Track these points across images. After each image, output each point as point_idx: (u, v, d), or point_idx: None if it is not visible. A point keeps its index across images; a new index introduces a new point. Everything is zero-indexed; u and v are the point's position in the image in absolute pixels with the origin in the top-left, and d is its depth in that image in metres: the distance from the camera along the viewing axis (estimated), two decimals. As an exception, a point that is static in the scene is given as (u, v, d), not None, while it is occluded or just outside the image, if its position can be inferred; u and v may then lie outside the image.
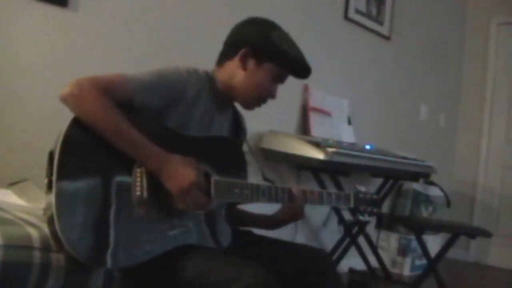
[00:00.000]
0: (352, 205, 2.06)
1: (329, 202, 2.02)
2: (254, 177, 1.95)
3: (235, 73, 1.89)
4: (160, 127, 1.71)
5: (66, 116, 1.54)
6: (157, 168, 1.60)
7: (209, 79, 1.89)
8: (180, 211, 1.64)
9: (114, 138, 1.56)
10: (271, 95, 1.95)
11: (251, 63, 1.87)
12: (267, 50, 1.86)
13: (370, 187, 2.16)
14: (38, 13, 2.44)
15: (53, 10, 2.48)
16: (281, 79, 1.94)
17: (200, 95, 1.82)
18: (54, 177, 1.45)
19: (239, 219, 2.06)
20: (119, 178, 1.56)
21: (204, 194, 1.67)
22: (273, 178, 2.03)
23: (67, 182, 1.46)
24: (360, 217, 2.09)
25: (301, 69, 1.93)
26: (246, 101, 1.94)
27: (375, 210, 2.09)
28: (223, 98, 1.93)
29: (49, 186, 1.48)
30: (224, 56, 1.93)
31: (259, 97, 1.93)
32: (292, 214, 1.94)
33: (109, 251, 1.48)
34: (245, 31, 1.91)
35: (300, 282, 1.81)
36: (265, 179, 2.02)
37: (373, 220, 2.19)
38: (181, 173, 1.61)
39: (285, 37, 1.90)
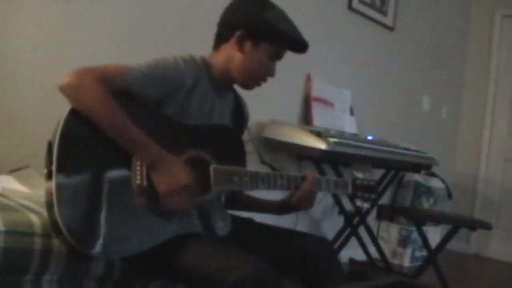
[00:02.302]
0: (350, 191, 2.06)
1: (328, 188, 2.02)
2: (253, 165, 1.95)
3: (232, 55, 1.89)
4: (159, 115, 1.71)
5: (65, 106, 1.54)
6: (151, 164, 1.60)
7: (206, 65, 1.89)
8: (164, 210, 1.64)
9: (110, 131, 1.56)
10: (270, 73, 1.95)
11: (247, 45, 1.87)
12: (262, 31, 1.86)
13: (369, 175, 2.15)
14: (39, 2, 2.43)
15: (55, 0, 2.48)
16: (278, 56, 1.94)
17: (198, 83, 1.82)
18: (54, 167, 1.46)
19: (245, 205, 2.08)
20: (116, 170, 1.56)
21: (191, 199, 1.66)
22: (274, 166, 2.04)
23: (66, 173, 1.47)
24: (358, 203, 2.11)
25: (298, 46, 1.92)
26: (246, 82, 1.94)
27: (372, 196, 2.10)
28: (221, 82, 1.93)
29: (49, 176, 1.48)
30: (220, 39, 1.93)
31: (258, 77, 1.94)
32: (306, 199, 1.93)
33: (100, 238, 1.48)
34: (239, 12, 1.90)
35: (301, 269, 1.82)
36: (263, 162, 2.02)
37: (369, 206, 2.19)
38: (173, 173, 1.61)
39: (279, 15, 1.89)
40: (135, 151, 1.59)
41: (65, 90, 1.53)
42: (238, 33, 1.85)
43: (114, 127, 1.56)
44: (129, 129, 1.57)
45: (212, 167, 1.71)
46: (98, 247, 1.47)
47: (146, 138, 1.60)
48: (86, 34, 2.59)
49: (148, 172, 1.61)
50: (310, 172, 1.95)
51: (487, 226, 3.55)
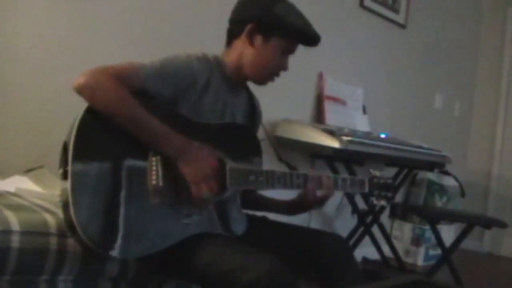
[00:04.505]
0: (366, 190, 2.05)
1: (344, 187, 2.01)
2: (269, 164, 1.94)
3: (244, 51, 1.89)
4: (174, 114, 1.71)
5: (80, 104, 1.54)
6: (175, 154, 1.60)
7: (219, 63, 1.89)
8: (192, 200, 1.64)
9: (132, 126, 1.56)
10: (283, 67, 1.94)
11: (258, 39, 1.86)
12: (272, 25, 1.85)
13: (385, 173, 2.14)
14: (51, 1, 2.44)
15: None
16: (291, 50, 1.93)
17: (211, 81, 1.82)
18: (69, 166, 1.45)
19: (257, 204, 2.08)
20: (133, 164, 1.56)
21: (219, 183, 1.66)
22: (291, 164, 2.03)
23: (82, 168, 1.46)
24: (375, 202, 2.09)
25: (309, 39, 1.91)
26: (258, 77, 1.94)
27: (389, 194, 2.08)
28: (234, 79, 1.93)
29: (64, 176, 1.48)
30: (231, 35, 1.93)
31: (270, 72, 1.93)
32: (310, 198, 1.91)
33: (118, 239, 1.47)
34: (248, 7, 1.89)
35: (316, 267, 1.81)
36: (280, 160, 2.02)
37: (387, 205, 2.17)
38: (200, 160, 1.62)
39: (289, 9, 1.88)
40: (159, 144, 1.60)
41: (81, 90, 1.53)
42: (248, 27, 1.85)
43: (135, 122, 1.56)
44: (151, 122, 1.58)
45: (228, 166, 1.70)
46: (116, 249, 1.46)
47: (168, 129, 1.60)
48: (98, 33, 2.59)
49: (175, 163, 1.61)
50: (313, 171, 1.94)
51: (502, 225, 3.52)
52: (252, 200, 2.06)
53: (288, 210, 2.04)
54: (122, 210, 1.50)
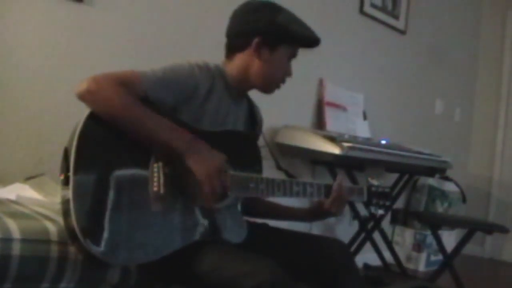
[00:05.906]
0: (365, 198, 2.06)
1: None
2: (269, 171, 1.95)
3: (250, 63, 1.88)
4: (176, 122, 1.69)
5: (81, 111, 1.54)
6: (186, 150, 1.60)
7: (220, 72, 1.88)
8: (196, 202, 1.64)
9: (139, 128, 1.56)
10: (289, 74, 1.95)
11: (265, 51, 1.86)
12: (278, 35, 1.86)
13: (384, 181, 2.15)
14: (53, 8, 2.45)
15: (69, 5, 2.48)
16: (294, 55, 1.95)
17: (213, 89, 1.81)
18: (71, 172, 1.45)
19: (269, 213, 2.09)
20: (133, 172, 1.56)
21: (228, 181, 1.68)
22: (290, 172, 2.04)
23: (83, 176, 1.46)
24: (373, 211, 2.11)
25: (313, 42, 1.93)
26: (267, 87, 1.94)
27: (387, 203, 2.10)
28: (236, 89, 1.93)
29: (65, 182, 1.48)
30: (233, 48, 1.92)
31: (278, 80, 1.94)
32: (338, 205, 1.93)
33: (104, 239, 1.45)
34: (250, 20, 1.88)
35: (318, 273, 1.81)
36: (279, 168, 2.03)
37: (385, 213, 2.19)
38: (210, 157, 1.62)
39: (290, 16, 1.89)
40: (167, 140, 1.59)
41: (83, 96, 1.53)
42: (255, 41, 1.84)
43: (142, 123, 1.56)
44: (158, 121, 1.58)
45: (228, 173, 1.70)
46: (103, 246, 1.44)
47: (177, 127, 1.61)
48: (100, 40, 2.60)
49: (183, 159, 1.60)
50: (339, 177, 1.96)
51: (503, 230, 3.52)
52: (263, 208, 2.08)
53: (309, 216, 2.06)
54: (120, 217, 1.49)
